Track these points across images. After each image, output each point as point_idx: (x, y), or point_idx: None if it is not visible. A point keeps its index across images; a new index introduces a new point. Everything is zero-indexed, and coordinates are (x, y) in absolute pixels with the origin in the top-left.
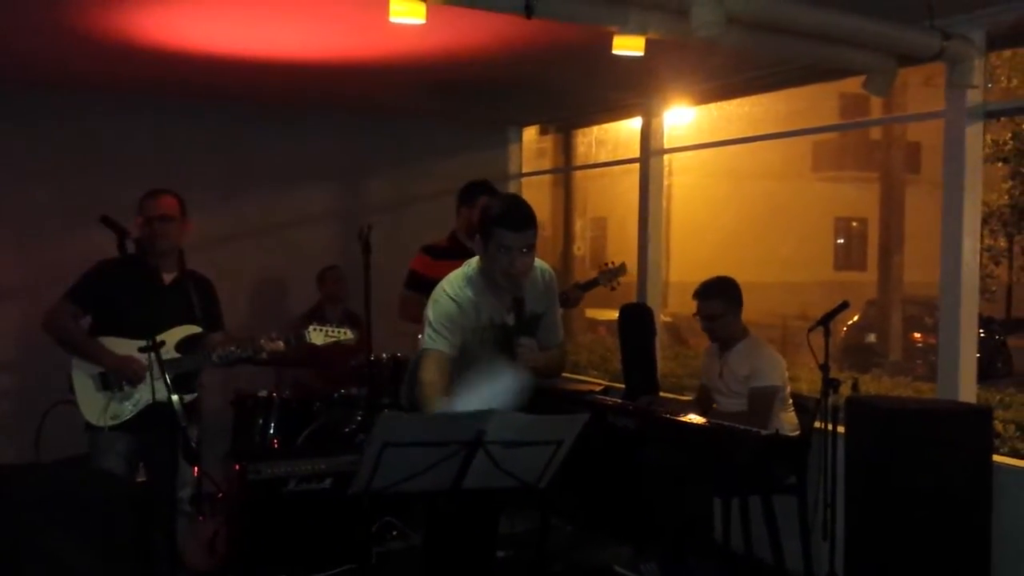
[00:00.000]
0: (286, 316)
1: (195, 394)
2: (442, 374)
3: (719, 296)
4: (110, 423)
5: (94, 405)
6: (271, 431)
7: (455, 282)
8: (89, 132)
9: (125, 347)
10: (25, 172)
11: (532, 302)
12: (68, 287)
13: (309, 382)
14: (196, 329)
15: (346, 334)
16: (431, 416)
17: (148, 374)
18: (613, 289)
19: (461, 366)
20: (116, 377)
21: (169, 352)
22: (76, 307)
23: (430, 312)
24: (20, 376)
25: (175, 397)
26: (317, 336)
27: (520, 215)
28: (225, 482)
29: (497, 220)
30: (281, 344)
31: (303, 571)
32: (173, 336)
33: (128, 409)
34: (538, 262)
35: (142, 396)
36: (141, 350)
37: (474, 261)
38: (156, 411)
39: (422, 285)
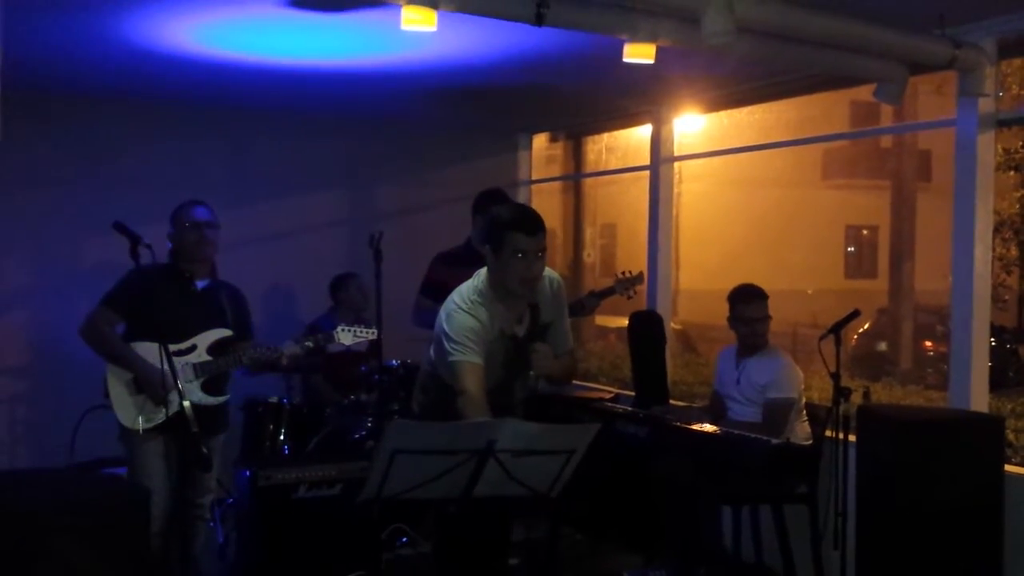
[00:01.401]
0: (295, 323)
1: (226, 396)
2: (480, 385)
3: (766, 299)
4: (144, 426)
5: (129, 408)
6: (281, 437)
7: (467, 296)
8: (101, 139)
9: (156, 351)
10: (37, 178)
11: (544, 311)
12: (104, 294)
13: (320, 388)
14: (227, 333)
15: (373, 333)
16: (441, 424)
17: (177, 380)
18: (630, 298)
19: (490, 376)
20: (145, 388)
21: (200, 355)
22: (113, 313)
23: (447, 326)
24: (32, 381)
25: (187, 403)
26: (346, 336)
27: (532, 219)
28: (235, 488)
29: (510, 225)
30: (310, 345)
31: None
32: (205, 340)
33: (162, 412)
34: (546, 270)
35: (174, 400)
36: (174, 354)
37: (482, 273)
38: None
39: (438, 292)
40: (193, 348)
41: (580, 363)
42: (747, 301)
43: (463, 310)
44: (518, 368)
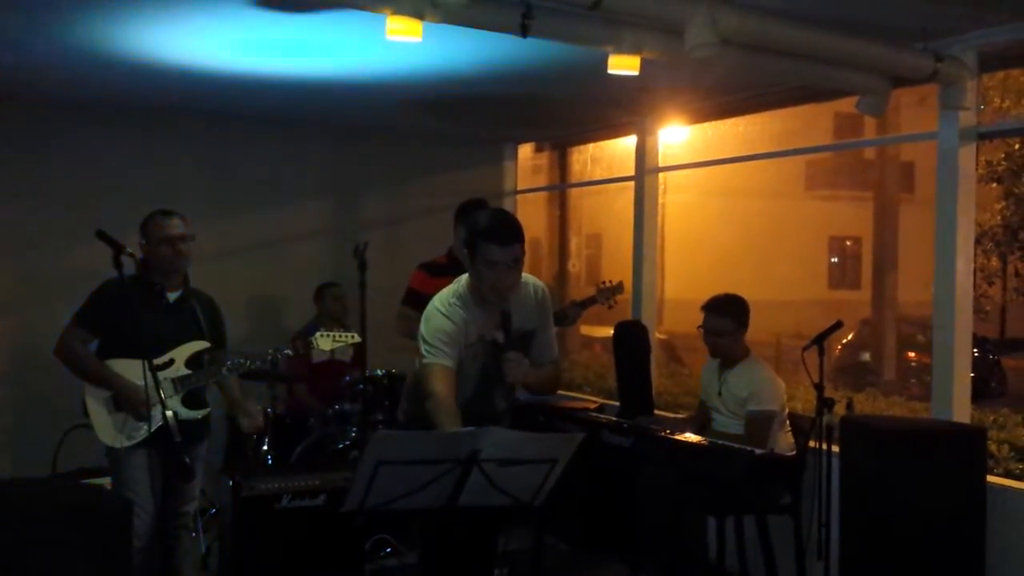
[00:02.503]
0: (281, 332)
1: (208, 409)
2: (450, 388)
3: (730, 314)
4: (127, 444)
5: (109, 427)
6: (265, 447)
7: (446, 299)
8: (84, 148)
9: (135, 368)
10: (19, 186)
11: (523, 318)
12: (74, 311)
13: (303, 398)
14: (205, 344)
15: (354, 337)
16: (425, 434)
17: (160, 393)
18: (610, 307)
19: (467, 380)
20: (125, 406)
21: (179, 369)
22: (85, 331)
23: (424, 329)
24: (16, 391)
25: (169, 413)
26: (325, 342)
27: (506, 229)
28: (218, 498)
29: (482, 235)
30: (290, 353)
31: None
32: (182, 353)
33: (144, 428)
34: (531, 279)
35: (156, 415)
36: (152, 369)
37: (464, 279)
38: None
39: (420, 302)
40: (171, 363)
41: (565, 373)
42: (714, 313)
43: (440, 312)
44: (497, 376)
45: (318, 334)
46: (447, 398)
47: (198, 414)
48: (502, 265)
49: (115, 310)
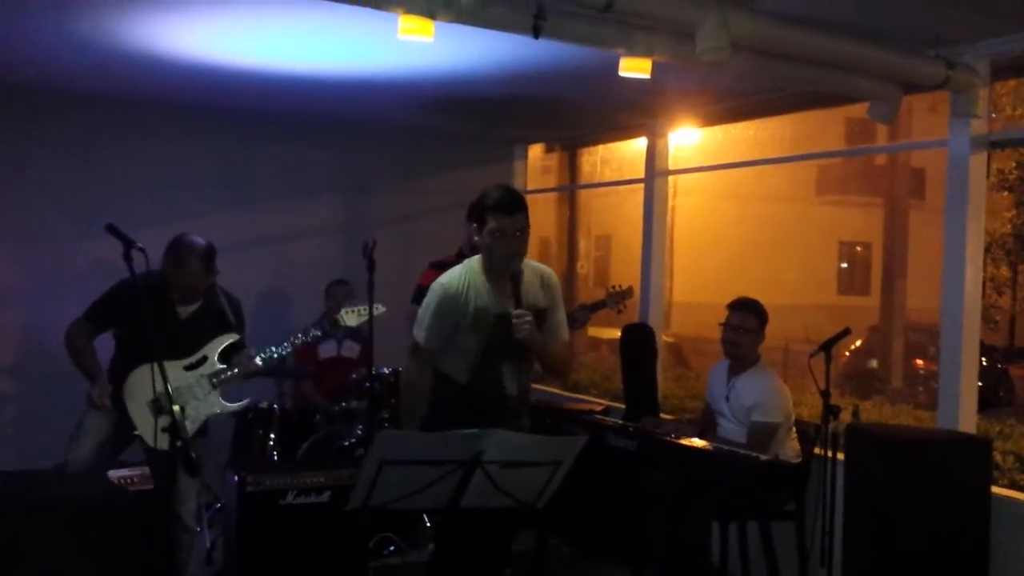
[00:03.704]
0: (288, 328)
1: (245, 400)
2: (424, 374)
3: (756, 313)
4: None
5: (153, 432)
6: (271, 443)
7: (453, 272)
8: (97, 140)
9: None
10: (31, 179)
11: (532, 295)
12: (89, 306)
13: (310, 394)
14: (235, 336)
15: (378, 308)
16: (429, 435)
17: (197, 392)
18: (620, 312)
19: (468, 356)
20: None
21: (214, 364)
22: (91, 326)
23: (423, 303)
24: (22, 384)
25: (176, 408)
26: (351, 317)
27: (512, 200)
28: (224, 493)
29: (491, 206)
30: (319, 334)
31: None
32: (214, 348)
33: (188, 428)
34: (537, 264)
35: (198, 413)
36: (186, 368)
37: (473, 260)
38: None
39: None
40: (204, 359)
41: (572, 375)
42: (740, 309)
43: (441, 284)
44: (504, 350)
45: (344, 311)
46: (419, 388)
47: (238, 406)
48: (510, 233)
49: (125, 312)
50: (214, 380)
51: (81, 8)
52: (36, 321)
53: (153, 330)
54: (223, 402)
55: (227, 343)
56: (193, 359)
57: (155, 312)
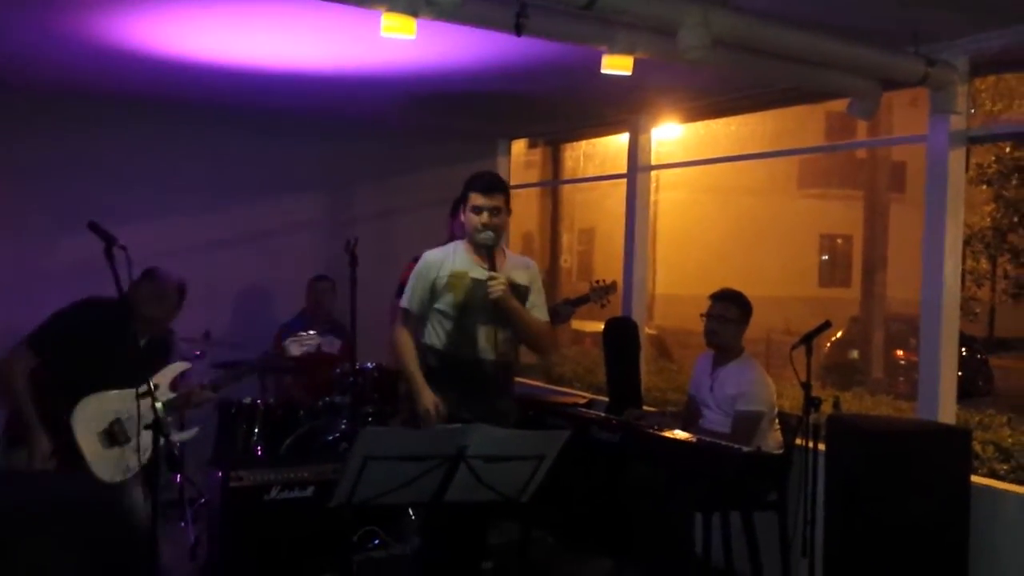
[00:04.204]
0: (269, 324)
1: (194, 430)
2: (404, 333)
3: (736, 303)
4: (122, 477)
5: (106, 464)
6: (254, 438)
7: (437, 248)
8: (77, 138)
9: (106, 401)
10: (11, 176)
11: (512, 271)
12: (31, 332)
13: (293, 390)
14: (186, 365)
15: (315, 337)
16: (413, 431)
17: (152, 390)
18: (603, 306)
19: (446, 319)
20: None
21: (165, 393)
22: (32, 355)
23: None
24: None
25: (159, 404)
26: (294, 347)
27: (488, 179)
28: (207, 488)
29: (469, 184)
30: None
31: None
32: (165, 376)
33: (134, 460)
34: (522, 256)
35: (147, 442)
36: (139, 397)
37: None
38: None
39: None
40: (156, 387)
41: (555, 368)
42: (722, 299)
43: (427, 253)
44: (480, 314)
45: (288, 341)
46: (407, 344)
47: (188, 435)
48: (486, 211)
49: (81, 337)
50: (166, 408)
51: (61, 3)
52: (15, 320)
53: (119, 357)
54: (177, 431)
55: (179, 372)
56: (145, 388)
57: (118, 340)
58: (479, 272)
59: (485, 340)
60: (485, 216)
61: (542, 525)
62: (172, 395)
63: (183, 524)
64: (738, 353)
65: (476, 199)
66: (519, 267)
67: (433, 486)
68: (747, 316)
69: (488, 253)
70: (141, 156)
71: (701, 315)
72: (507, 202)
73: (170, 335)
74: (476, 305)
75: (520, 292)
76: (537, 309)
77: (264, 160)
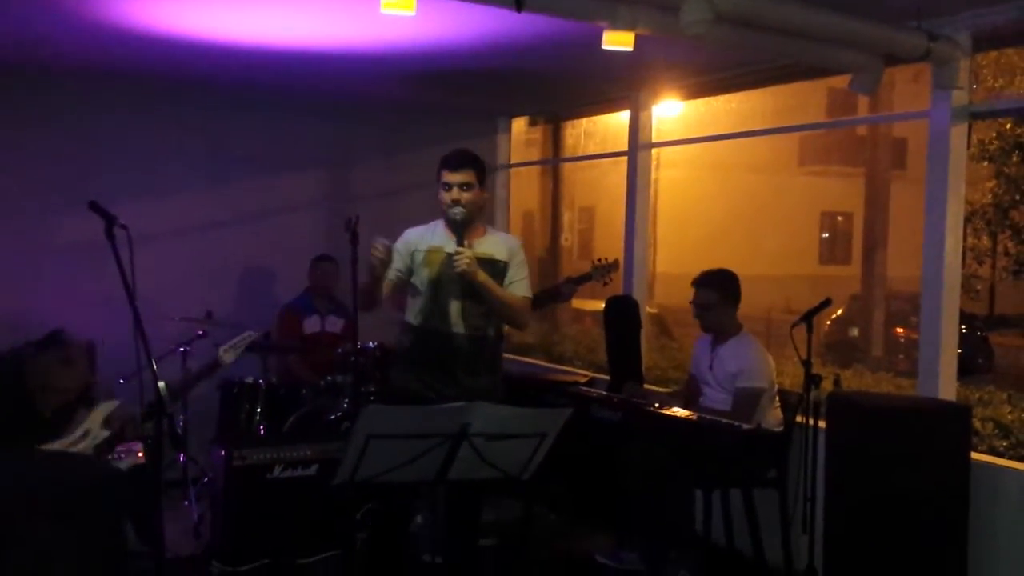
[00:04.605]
0: (272, 304)
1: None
2: (385, 286)
3: (716, 288)
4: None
5: None
6: (257, 417)
7: (420, 225)
8: (76, 118)
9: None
10: (10, 155)
11: (489, 247)
12: None
13: (295, 369)
14: (114, 404)
15: (250, 338)
16: (415, 408)
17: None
18: (606, 284)
19: (421, 294)
20: None
21: (98, 435)
22: None
23: None
24: None
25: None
26: (229, 354)
27: (457, 156)
28: (211, 467)
29: (440, 162)
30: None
31: (287, 556)
32: (95, 420)
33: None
34: (507, 234)
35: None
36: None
37: None
38: None
39: None
40: (86, 434)
41: (556, 346)
42: (700, 286)
43: (406, 232)
44: (453, 289)
45: (221, 349)
46: (383, 286)
47: (125, 466)
48: (455, 187)
49: None
50: (102, 448)
51: None
52: (16, 300)
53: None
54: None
55: (107, 412)
56: (75, 436)
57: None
58: (452, 247)
59: (457, 314)
60: (455, 192)
61: (543, 502)
62: (106, 434)
63: (187, 503)
64: (736, 331)
65: (445, 175)
66: (499, 243)
67: (436, 464)
68: (731, 296)
69: (458, 229)
70: (139, 135)
71: (689, 302)
72: (479, 177)
73: (88, 388)
74: (448, 279)
75: (497, 267)
76: (515, 285)
77: (263, 139)
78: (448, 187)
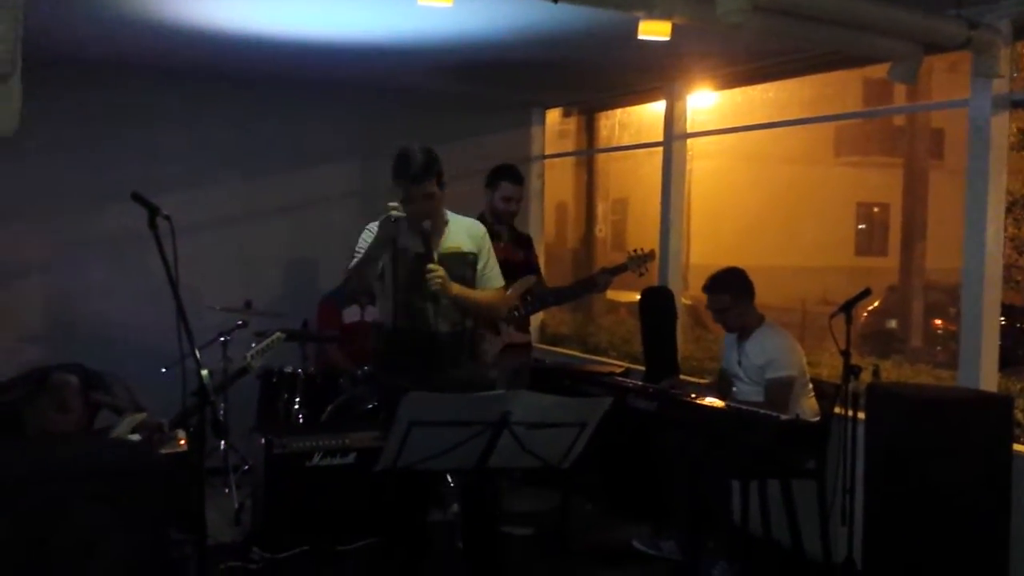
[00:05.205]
0: (313, 294)
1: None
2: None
3: (725, 289)
4: None
5: None
6: (296, 406)
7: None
8: (116, 109)
9: None
10: (53, 146)
11: (455, 238)
12: None
13: (335, 358)
14: (142, 415)
15: (278, 340)
16: (457, 396)
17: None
18: (641, 275)
19: (391, 295)
20: None
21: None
22: None
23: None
24: (47, 351)
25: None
26: (257, 359)
27: (414, 171)
28: (251, 455)
29: (397, 173)
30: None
31: (326, 544)
32: (123, 431)
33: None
34: (467, 219)
35: None
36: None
37: None
38: None
39: None
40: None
41: (590, 337)
42: (710, 291)
43: (369, 225)
44: (424, 289)
45: (249, 356)
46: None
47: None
48: (414, 198)
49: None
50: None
51: None
52: (61, 288)
53: None
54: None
55: (136, 423)
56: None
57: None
58: (419, 246)
59: (434, 315)
60: (416, 205)
61: (581, 492)
62: (137, 438)
63: (227, 490)
64: (758, 323)
65: (403, 188)
66: (463, 233)
67: (477, 452)
68: (743, 292)
69: (424, 238)
70: (179, 128)
71: (705, 307)
72: (439, 181)
73: (94, 412)
74: (415, 279)
75: (467, 260)
76: (488, 277)
77: (300, 131)
78: (410, 200)
